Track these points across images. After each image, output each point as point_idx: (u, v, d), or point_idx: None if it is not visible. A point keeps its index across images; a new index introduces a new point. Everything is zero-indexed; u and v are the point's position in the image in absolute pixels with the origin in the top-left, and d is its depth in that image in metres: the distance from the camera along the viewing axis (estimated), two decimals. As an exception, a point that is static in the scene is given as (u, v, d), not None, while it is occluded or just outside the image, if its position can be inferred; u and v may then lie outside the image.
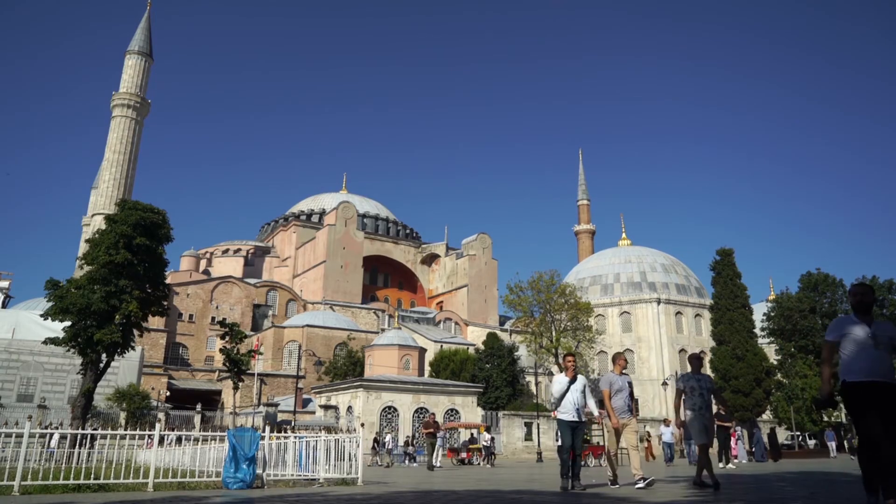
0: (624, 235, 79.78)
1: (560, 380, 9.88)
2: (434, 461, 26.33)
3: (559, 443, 9.95)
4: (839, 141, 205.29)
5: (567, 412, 9.64)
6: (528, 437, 45.61)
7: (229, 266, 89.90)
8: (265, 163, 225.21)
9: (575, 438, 9.54)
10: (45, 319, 28.50)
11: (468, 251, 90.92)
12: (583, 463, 27.60)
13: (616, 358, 10.61)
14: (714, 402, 10.01)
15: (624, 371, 10.52)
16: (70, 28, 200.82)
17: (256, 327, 74.66)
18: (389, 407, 40.78)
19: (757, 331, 50.77)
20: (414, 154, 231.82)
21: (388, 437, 36.92)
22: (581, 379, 9.85)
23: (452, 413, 42.62)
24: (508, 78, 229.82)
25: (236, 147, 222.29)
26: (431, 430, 24.24)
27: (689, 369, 10.31)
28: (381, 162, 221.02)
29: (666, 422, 29.08)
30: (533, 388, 57.22)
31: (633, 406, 10.23)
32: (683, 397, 10.03)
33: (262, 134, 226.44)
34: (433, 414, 28.13)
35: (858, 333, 5.70)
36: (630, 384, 10.36)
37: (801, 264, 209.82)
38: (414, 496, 8.80)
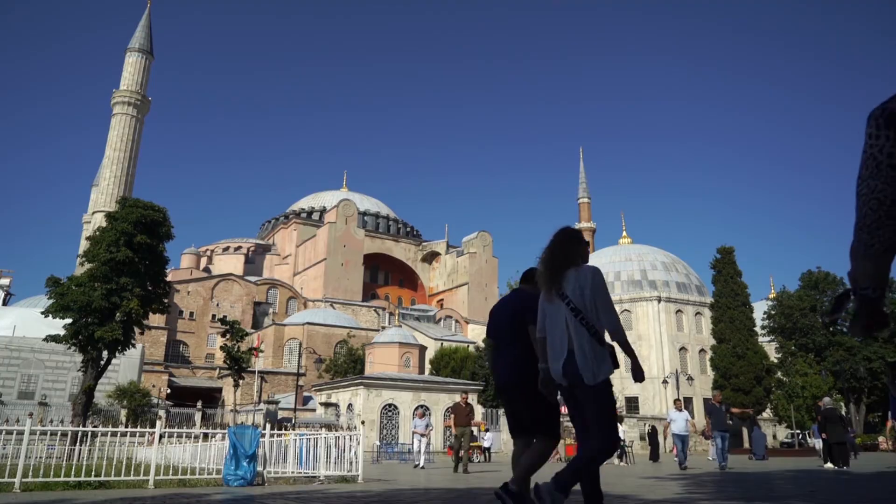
0: (624, 234, 79.83)
1: None
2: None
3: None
4: (839, 140, 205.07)
5: None
6: (529, 434, 45.63)
7: (230, 264, 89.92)
8: (266, 161, 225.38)
9: None
10: (45, 317, 28.54)
11: (469, 249, 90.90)
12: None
13: None
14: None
15: None
16: (70, 26, 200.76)
17: (257, 325, 74.69)
18: (390, 405, 40.81)
19: (757, 329, 50.82)
20: (414, 152, 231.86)
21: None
22: None
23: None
24: (509, 77, 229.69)
25: (237, 145, 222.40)
26: (465, 417, 17.64)
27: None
28: (382, 160, 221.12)
29: (677, 404, 20.41)
30: (533, 385, 57.19)
31: None
32: None
33: (262, 132, 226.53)
34: (465, 395, 20.04)
35: None
36: None
37: (801, 263, 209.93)
38: (413, 493, 8.82)
